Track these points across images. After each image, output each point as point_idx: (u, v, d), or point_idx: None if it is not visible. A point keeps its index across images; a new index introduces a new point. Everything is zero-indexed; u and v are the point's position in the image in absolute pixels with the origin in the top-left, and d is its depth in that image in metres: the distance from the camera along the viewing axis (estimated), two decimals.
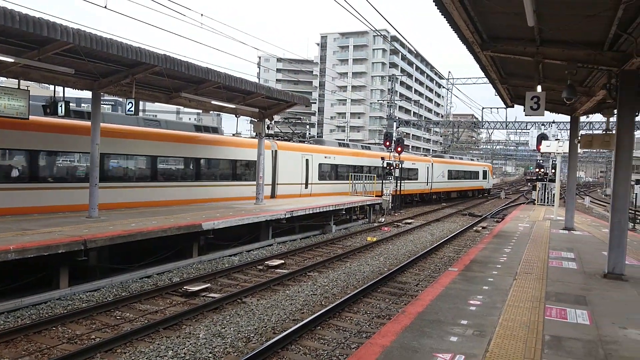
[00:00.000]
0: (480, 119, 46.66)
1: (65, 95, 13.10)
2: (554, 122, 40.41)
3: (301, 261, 13.71)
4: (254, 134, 17.67)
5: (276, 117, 22.73)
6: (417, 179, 35.89)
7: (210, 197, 17.95)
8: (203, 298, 9.61)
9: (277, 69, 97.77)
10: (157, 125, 17.15)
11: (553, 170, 31.97)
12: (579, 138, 14.09)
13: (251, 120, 18.32)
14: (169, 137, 16.57)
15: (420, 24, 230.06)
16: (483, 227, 22.87)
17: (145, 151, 15.76)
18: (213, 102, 15.38)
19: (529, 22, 6.94)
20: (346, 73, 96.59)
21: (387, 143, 29.51)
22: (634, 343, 5.57)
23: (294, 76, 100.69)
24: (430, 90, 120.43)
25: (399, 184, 30.03)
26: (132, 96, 12.23)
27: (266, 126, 17.97)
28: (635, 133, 11.73)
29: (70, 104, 12.59)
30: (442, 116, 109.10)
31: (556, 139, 26.99)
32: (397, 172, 28.64)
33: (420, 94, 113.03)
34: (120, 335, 7.20)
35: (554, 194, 26.56)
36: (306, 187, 23.71)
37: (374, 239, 17.54)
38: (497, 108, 42.98)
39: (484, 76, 12.04)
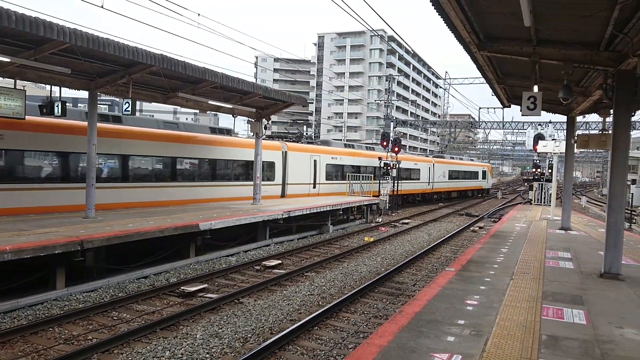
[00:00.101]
0: (477, 119, 46.68)
1: (62, 95, 13.06)
2: (550, 122, 40.52)
3: (298, 261, 13.71)
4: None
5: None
6: (419, 179, 36.43)
7: (213, 197, 18.23)
8: (200, 298, 9.60)
9: (274, 69, 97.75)
10: (176, 128, 17.81)
11: (550, 170, 32.03)
12: (576, 138, 14.11)
13: (248, 120, 18.27)
14: (188, 140, 17.29)
15: (417, 25, 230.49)
16: (480, 227, 22.91)
17: (168, 153, 16.46)
18: (210, 102, 15.35)
19: (525, 22, 6.95)
20: (343, 73, 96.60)
21: (385, 143, 29.55)
22: (630, 342, 5.59)
23: (291, 76, 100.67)
24: (428, 90, 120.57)
25: (396, 184, 30.08)
26: (128, 96, 12.21)
27: (263, 126, 17.97)
28: (632, 133, 11.76)
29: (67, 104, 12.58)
30: (439, 116, 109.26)
31: (553, 139, 27.09)
32: (394, 172, 28.69)
33: (418, 94, 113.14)
34: (117, 336, 7.19)
35: (550, 194, 26.61)
36: (314, 187, 24.35)
37: (371, 239, 17.55)
38: (494, 108, 43.03)
39: (481, 76, 12.06)
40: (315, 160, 24.42)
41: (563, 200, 17.66)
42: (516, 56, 9.23)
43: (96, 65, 11.53)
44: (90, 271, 10.27)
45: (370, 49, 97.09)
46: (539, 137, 26.21)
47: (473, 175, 48.68)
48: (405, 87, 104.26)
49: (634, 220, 26.03)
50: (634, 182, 38.75)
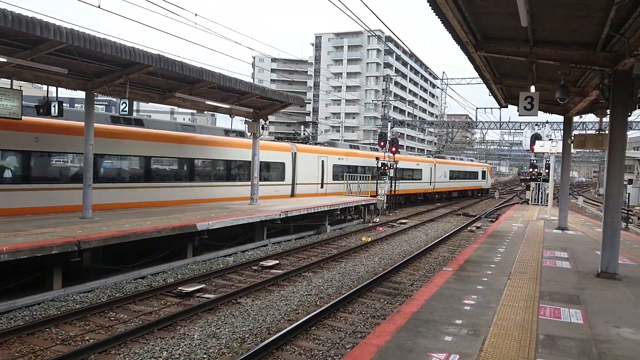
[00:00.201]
0: (474, 119, 46.83)
1: (59, 96, 13.04)
2: (547, 122, 40.61)
3: (296, 261, 13.71)
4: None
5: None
6: (420, 179, 37.27)
7: (227, 197, 18.91)
8: (198, 299, 9.58)
9: (271, 69, 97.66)
10: (193, 130, 18.47)
11: (547, 170, 32.12)
12: (572, 138, 14.15)
13: (245, 120, 18.28)
14: (206, 142, 18.03)
15: (415, 25, 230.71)
16: (477, 227, 22.95)
17: (188, 154, 17.23)
18: (207, 102, 15.34)
19: (522, 22, 6.97)
20: (341, 73, 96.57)
21: (382, 143, 29.58)
22: (627, 342, 5.61)
23: (288, 76, 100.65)
24: (425, 90, 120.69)
25: (393, 184, 30.14)
26: (126, 96, 12.19)
27: (261, 126, 17.97)
28: (628, 133, 11.80)
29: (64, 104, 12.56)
30: (436, 116, 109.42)
31: (550, 139, 27.11)
32: (391, 172, 28.80)
33: (415, 94, 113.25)
34: (114, 337, 7.17)
35: (547, 194, 26.69)
36: (322, 187, 25.11)
37: (369, 239, 17.56)
38: (491, 108, 43.17)
39: (478, 76, 12.08)
40: (322, 161, 25.17)
41: (560, 200, 17.70)
42: (513, 56, 9.24)
43: (93, 66, 11.51)
44: (88, 271, 10.23)
45: (368, 49, 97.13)
46: (536, 137, 26.25)
47: (473, 175, 49.49)
48: (403, 88, 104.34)
49: (631, 220, 26.12)
50: (630, 182, 38.92)
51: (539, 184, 32.65)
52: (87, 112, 12.49)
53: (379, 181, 28.69)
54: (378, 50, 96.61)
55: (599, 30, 7.84)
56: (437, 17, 7.60)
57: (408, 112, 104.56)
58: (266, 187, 20.86)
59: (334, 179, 26.15)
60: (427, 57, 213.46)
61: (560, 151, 17.72)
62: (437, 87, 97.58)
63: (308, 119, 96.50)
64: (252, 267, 12.58)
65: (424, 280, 11.68)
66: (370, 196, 25.64)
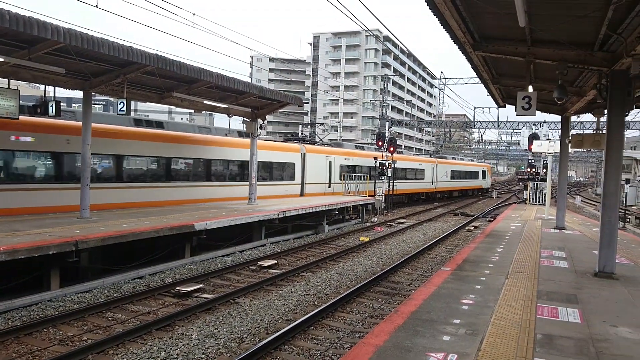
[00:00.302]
0: (472, 119, 46.98)
1: (56, 95, 13.02)
2: (545, 122, 40.78)
3: (294, 261, 13.70)
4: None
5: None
6: (423, 179, 38.22)
7: (243, 195, 19.21)
8: (196, 299, 9.57)
9: (269, 68, 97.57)
10: (209, 132, 19.18)
11: (544, 170, 32.19)
12: (570, 138, 14.19)
13: (243, 120, 18.30)
14: (222, 143, 18.71)
15: (413, 25, 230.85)
16: (475, 227, 22.97)
17: (206, 155, 17.94)
18: (205, 102, 15.32)
19: (520, 22, 6.98)
20: (339, 73, 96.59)
21: (380, 143, 29.62)
22: (624, 341, 5.62)
23: (286, 76, 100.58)
24: (423, 90, 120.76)
25: (391, 184, 30.21)
26: (123, 96, 12.15)
27: (259, 126, 17.97)
28: (625, 133, 11.83)
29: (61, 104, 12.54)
30: (434, 116, 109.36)
31: (547, 139, 27.17)
32: (389, 172, 28.90)
33: (413, 94, 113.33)
34: (112, 337, 7.15)
35: (545, 194, 26.73)
36: (329, 187, 25.87)
37: (367, 239, 17.56)
38: (489, 108, 43.27)
39: (476, 76, 12.10)
40: (330, 161, 25.98)
41: (557, 199, 17.73)
42: (511, 56, 9.26)
43: (91, 65, 11.48)
44: (85, 272, 10.22)
45: (366, 49, 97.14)
46: (533, 137, 26.30)
47: (473, 175, 50.57)
48: (401, 87, 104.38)
49: (628, 220, 26.17)
50: (627, 181, 39.01)
51: (537, 184, 32.71)
52: (84, 112, 12.45)
53: (377, 181, 28.80)
54: (376, 50, 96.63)
55: (596, 30, 7.86)
56: (435, 17, 7.61)
57: (406, 112, 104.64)
58: (277, 186, 21.79)
59: (340, 179, 26.93)
60: (425, 56, 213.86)
61: (558, 151, 17.75)
62: (435, 87, 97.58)
63: (306, 118, 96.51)
64: (250, 267, 12.58)
65: (422, 280, 11.69)
66: (369, 196, 25.69)
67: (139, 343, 7.19)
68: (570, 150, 15.75)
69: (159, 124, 17.23)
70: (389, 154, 29.32)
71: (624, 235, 16.59)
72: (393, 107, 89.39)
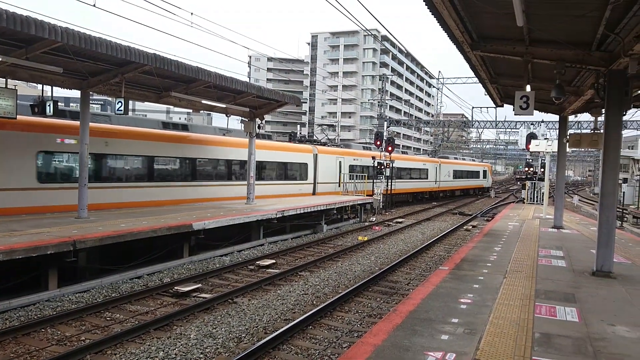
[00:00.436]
0: (470, 119, 46.97)
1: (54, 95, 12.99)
2: (543, 121, 40.93)
3: (292, 261, 13.70)
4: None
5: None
6: (427, 179, 39.57)
7: (259, 194, 19.88)
8: (194, 298, 9.57)
9: (267, 68, 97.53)
10: (230, 134, 19.99)
11: (542, 169, 32.22)
12: (568, 137, 14.20)
13: (242, 119, 18.29)
14: (239, 144, 19.47)
15: (412, 25, 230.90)
16: (473, 226, 23.01)
17: (228, 156, 19.00)
18: (203, 101, 15.31)
19: (518, 22, 6.98)
20: (337, 72, 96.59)
21: (378, 142, 29.63)
22: (622, 340, 5.64)
23: (284, 75, 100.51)
24: (421, 89, 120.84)
25: (389, 183, 30.27)
26: (121, 95, 12.13)
27: (257, 126, 17.97)
28: (623, 132, 11.84)
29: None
30: (432, 115, 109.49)
31: (545, 138, 27.22)
32: (387, 172, 28.98)
33: (411, 94, 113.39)
34: (110, 337, 7.14)
35: (543, 193, 26.78)
36: (339, 186, 26.98)
37: (365, 238, 17.57)
38: (487, 107, 43.27)
39: (474, 76, 12.11)
40: (340, 162, 27.14)
41: (555, 199, 17.76)
42: (509, 56, 9.27)
43: (88, 65, 11.46)
44: (83, 271, 10.20)
45: (364, 49, 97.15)
46: (531, 137, 26.36)
47: (475, 174, 52.20)
48: (399, 87, 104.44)
49: (626, 219, 26.25)
50: (625, 180, 39.11)
51: (535, 183, 32.75)
52: (82, 111, 12.44)
53: (375, 180, 28.89)
54: (374, 50, 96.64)
55: (594, 29, 7.87)
56: (433, 16, 7.61)
57: (404, 112, 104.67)
58: (291, 185, 22.93)
59: (350, 179, 27.98)
60: (424, 56, 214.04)
61: (556, 150, 17.77)
62: (433, 87, 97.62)
63: (304, 118, 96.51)
64: (249, 267, 12.57)
65: (420, 279, 11.70)
66: (367, 195, 25.78)
67: (137, 343, 7.18)
68: (568, 149, 15.74)
69: (185, 127, 18.19)
70: (387, 154, 29.36)
71: (622, 234, 16.62)
72: (391, 107, 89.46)
